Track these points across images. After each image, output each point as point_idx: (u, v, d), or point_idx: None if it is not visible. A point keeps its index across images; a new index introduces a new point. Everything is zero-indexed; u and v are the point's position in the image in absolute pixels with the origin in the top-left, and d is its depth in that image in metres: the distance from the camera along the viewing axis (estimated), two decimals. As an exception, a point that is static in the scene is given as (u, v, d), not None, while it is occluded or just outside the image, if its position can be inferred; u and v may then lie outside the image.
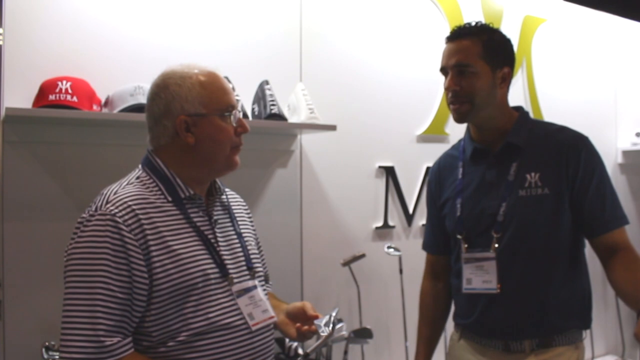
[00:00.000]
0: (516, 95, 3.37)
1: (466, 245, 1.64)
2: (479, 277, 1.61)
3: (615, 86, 3.98)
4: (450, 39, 1.64)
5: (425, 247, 1.90)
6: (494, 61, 1.59)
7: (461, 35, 1.61)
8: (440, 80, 3.01)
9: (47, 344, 1.87)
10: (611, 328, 3.82)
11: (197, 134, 1.31)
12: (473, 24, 1.64)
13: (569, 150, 1.57)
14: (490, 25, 1.66)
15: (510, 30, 3.34)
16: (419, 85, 2.96)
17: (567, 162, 1.56)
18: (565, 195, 1.56)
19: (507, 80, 1.63)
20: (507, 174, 1.60)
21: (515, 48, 3.63)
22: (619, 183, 3.95)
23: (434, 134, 2.99)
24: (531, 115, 3.42)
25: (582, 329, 1.63)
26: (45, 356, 1.86)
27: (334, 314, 1.95)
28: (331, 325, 1.67)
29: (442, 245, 1.79)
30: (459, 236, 1.67)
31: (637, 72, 4.08)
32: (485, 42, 1.59)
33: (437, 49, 3.00)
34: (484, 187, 1.64)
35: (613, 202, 1.58)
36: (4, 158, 1.94)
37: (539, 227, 1.56)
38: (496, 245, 1.58)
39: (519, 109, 1.71)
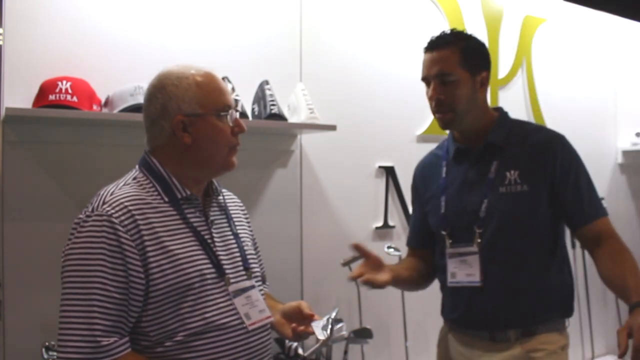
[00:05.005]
0: (516, 95, 3.37)
1: (450, 241, 1.71)
2: (463, 271, 1.68)
3: (615, 86, 3.98)
4: (428, 49, 1.69)
5: (409, 242, 1.95)
6: (472, 67, 1.66)
7: (439, 44, 1.66)
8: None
9: (47, 344, 1.87)
10: (611, 327, 3.81)
11: (194, 133, 1.31)
12: (448, 32, 1.70)
13: (546, 150, 1.65)
14: (464, 31, 1.73)
15: (510, 30, 3.34)
16: (419, 85, 2.91)
17: (544, 161, 1.64)
18: (544, 191, 1.63)
19: (485, 84, 1.71)
20: (487, 172, 1.67)
21: (515, 48, 3.63)
22: (619, 183, 3.95)
23: (434, 134, 2.98)
24: (531, 116, 3.41)
25: (564, 317, 1.71)
26: (45, 356, 1.87)
27: (333, 314, 1.95)
28: (329, 328, 1.67)
29: (425, 239, 1.84)
30: (443, 232, 1.73)
31: (637, 72, 4.07)
32: (463, 50, 1.65)
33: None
34: (466, 185, 1.71)
35: (591, 195, 1.66)
36: (4, 158, 1.94)
37: (519, 221, 1.64)
38: (479, 240, 1.65)
39: (499, 109, 1.78)
